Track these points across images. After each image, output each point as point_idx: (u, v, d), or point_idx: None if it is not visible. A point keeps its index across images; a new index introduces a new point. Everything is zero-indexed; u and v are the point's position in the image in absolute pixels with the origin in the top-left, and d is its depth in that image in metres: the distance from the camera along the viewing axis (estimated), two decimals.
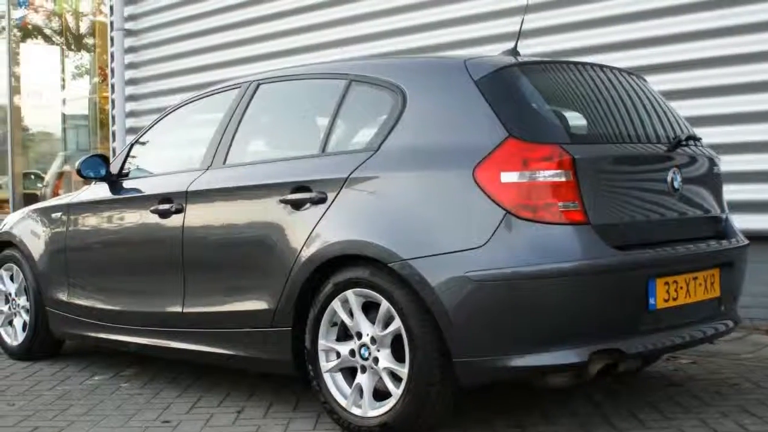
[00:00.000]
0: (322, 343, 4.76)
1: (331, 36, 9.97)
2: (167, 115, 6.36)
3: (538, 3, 7.94)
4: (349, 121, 5.24)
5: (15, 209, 14.21)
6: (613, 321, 4.37)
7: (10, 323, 7.08)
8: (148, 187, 6.04)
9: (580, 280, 4.23)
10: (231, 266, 5.31)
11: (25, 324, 6.91)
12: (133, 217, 6.04)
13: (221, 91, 5.99)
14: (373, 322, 4.58)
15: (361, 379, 4.63)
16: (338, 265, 4.69)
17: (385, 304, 4.49)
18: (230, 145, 5.55)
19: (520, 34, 5.27)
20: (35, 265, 6.76)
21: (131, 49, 12.58)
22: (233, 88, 5.83)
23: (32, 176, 17.03)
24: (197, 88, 9.16)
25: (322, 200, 4.81)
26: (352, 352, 4.66)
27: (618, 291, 4.36)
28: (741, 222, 5.62)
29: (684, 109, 6.05)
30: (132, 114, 12.49)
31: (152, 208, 5.75)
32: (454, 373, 4.34)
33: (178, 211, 5.58)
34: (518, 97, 4.61)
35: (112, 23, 12.76)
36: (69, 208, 6.62)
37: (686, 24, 7.55)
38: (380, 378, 4.56)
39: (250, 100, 5.62)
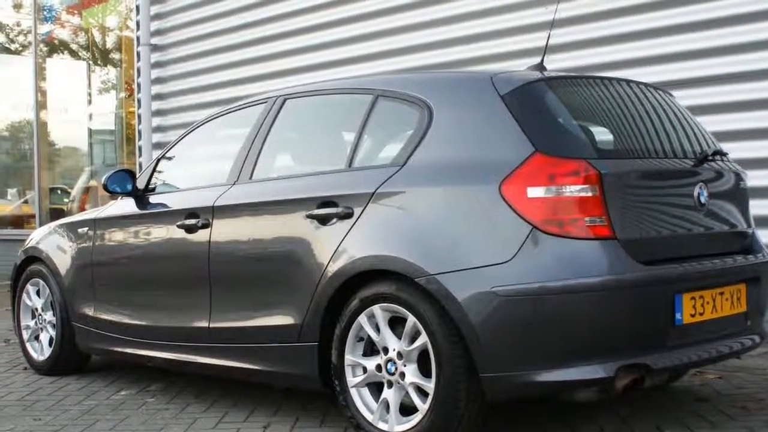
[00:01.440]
0: (348, 358, 4.76)
1: (358, 51, 10.00)
2: (193, 130, 6.38)
3: (565, 18, 7.93)
4: (375, 136, 5.25)
5: (41, 224, 14.26)
6: (640, 336, 4.36)
7: (37, 338, 7.11)
8: (175, 202, 6.06)
9: (606, 295, 4.23)
10: (257, 281, 5.32)
11: (51, 339, 6.93)
12: (160, 232, 6.06)
13: (247, 106, 6.00)
14: (399, 337, 4.58)
15: (388, 394, 4.63)
16: (365, 280, 4.70)
17: (411, 319, 4.49)
18: (256, 160, 5.56)
19: (546, 49, 5.26)
20: (61, 280, 6.79)
21: (157, 64, 12.64)
22: (259, 103, 5.84)
23: (58, 191, 17.05)
24: (224, 102, 9.21)
25: (348, 215, 4.82)
26: (378, 367, 4.66)
27: (644, 306, 4.35)
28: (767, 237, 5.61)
29: (710, 124, 6.03)
30: (158, 129, 12.54)
31: (179, 223, 5.77)
32: (481, 388, 4.34)
33: (205, 226, 5.60)
34: (545, 112, 4.61)
35: (138, 38, 12.82)
36: (95, 223, 6.65)
37: (713, 39, 7.54)
38: (407, 393, 4.56)
39: (277, 115, 5.63)
